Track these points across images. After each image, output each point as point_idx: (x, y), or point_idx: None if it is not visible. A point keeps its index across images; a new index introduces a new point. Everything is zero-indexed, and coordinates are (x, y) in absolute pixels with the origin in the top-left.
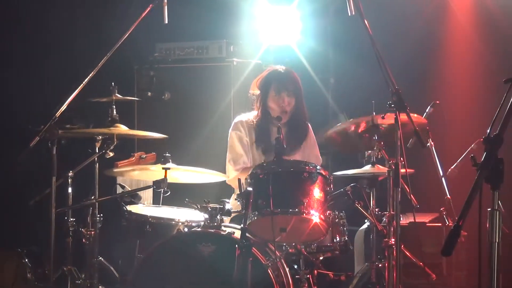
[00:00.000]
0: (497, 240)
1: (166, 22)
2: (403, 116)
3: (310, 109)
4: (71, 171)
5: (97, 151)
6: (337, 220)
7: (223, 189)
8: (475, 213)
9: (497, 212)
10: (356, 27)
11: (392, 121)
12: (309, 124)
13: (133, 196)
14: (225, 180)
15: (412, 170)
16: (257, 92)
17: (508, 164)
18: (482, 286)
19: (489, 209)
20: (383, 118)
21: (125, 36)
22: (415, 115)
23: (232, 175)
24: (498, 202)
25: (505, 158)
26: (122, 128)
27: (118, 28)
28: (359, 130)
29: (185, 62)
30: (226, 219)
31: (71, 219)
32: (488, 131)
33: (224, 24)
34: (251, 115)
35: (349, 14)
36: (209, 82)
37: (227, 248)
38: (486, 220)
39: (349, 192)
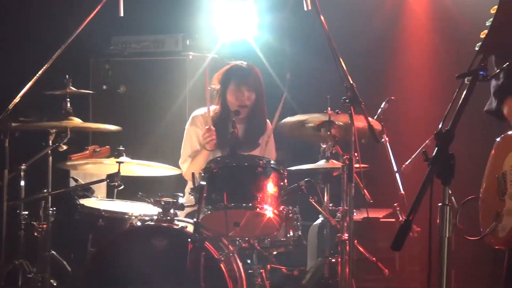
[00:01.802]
0: (447, 235)
1: (122, 15)
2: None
3: (267, 102)
4: (23, 164)
5: (50, 144)
6: (291, 215)
7: (177, 183)
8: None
9: (448, 207)
10: (312, 23)
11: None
12: (268, 122)
13: (86, 190)
14: (179, 174)
15: (366, 166)
16: (218, 86)
17: (462, 160)
18: (433, 281)
19: (439, 204)
20: (337, 113)
21: (80, 29)
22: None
23: (186, 168)
24: (452, 198)
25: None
26: (76, 121)
27: (73, 20)
28: (315, 125)
29: (141, 56)
30: (180, 213)
31: (24, 213)
32: (440, 126)
33: (180, 18)
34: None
35: (305, 9)
36: (165, 76)
37: (180, 242)
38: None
39: (303, 187)
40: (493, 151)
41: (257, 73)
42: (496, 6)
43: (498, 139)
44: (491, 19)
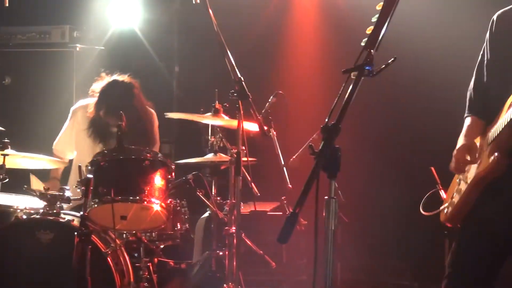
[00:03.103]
0: (333, 228)
1: (7, 5)
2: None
3: (155, 97)
4: None
5: None
6: (178, 208)
7: (64, 177)
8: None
9: (334, 200)
10: (201, 16)
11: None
12: (153, 111)
13: None
14: (66, 167)
15: (254, 159)
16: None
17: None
18: (319, 273)
19: (325, 197)
20: (225, 107)
21: None
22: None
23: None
24: (339, 192)
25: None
26: None
27: None
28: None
29: (27, 47)
30: (66, 207)
31: None
32: (326, 120)
33: (67, 9)
34: (92, 101)
35: (194, 2)
36: (51, 67)
37: (66, 235)
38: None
39: (191, 181)
40: None
41: (129, 94)
42: (381, 3)
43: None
44: (377, 15)
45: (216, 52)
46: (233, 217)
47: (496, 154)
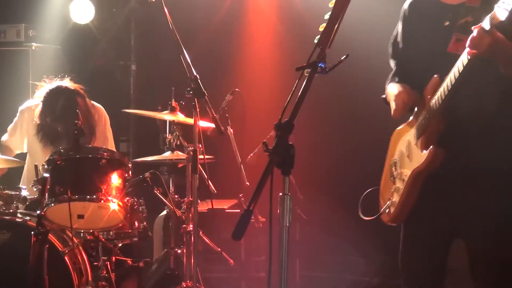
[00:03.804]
0: (287, 224)
1: None
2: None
3: (112, 95)
4: None
5: None
6: (136, 206)
7: (20, 176)
8: (274, 199)
9: (288, 197)
10: (157, 14)
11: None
12: (102, 108)
13: None
14: (20, 166)
15: (211, 157)
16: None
17: (311, 152)
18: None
19: (280, 194)
20: (181, 104)
21: None
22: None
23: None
24: (297, 189)
25: (310, 145)
26: None
27: None
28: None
29: None
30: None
31: None
32: (280, 117)
33: (22, 7)
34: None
35: (150, 1)
36: (7, 66)
37: (23, 235)
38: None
39: (148, 179)
40: (389, 145)
41: (74, 103)
42: (334, 0)
43: (393, 133)
44: (329, 13)
45: (173, 50)
46: (190, 215)
47: (431, 147)
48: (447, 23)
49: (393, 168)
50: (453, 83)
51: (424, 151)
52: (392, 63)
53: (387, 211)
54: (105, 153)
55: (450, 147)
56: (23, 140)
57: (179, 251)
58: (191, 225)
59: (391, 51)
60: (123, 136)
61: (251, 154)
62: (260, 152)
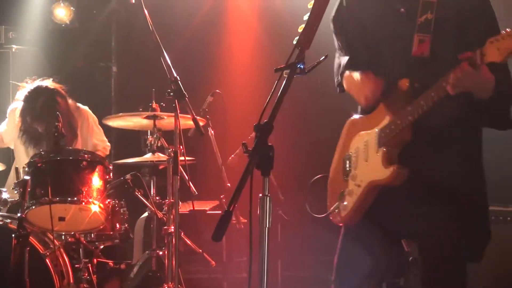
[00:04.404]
0: (268, 225)
1: None
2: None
3: (93, 97)
4: None
5: None
6: (117, 208)
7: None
8: (255, 200)
9: (268, 198)
10: (138, 16)
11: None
12: (87, 110)
13: None
14: (2, 170)
15: (192, 159)
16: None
17: (292, 154)
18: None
19: (260, 195)
20: (162, 106)
21: None
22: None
23: None
24: (278, 191)
25: (291, 147)
26: None
27: None
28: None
29: None
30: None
31: None
32: (259, 118)
33: (2, 9)
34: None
35: (130, 2)
36: None
37: (4, 238)
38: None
39: (129, 181)
40: (342, 133)
41: (54, 102)
42: (312, 1)
43: (347, 121)
44: (308, 14)
45: (154, 51)
46: (172, 217)
47: (396, 168)
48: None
49: (347, 163)
50: (435, 100)
51: (387, 169)
52: (341, 50)
53: (336, 210)
54: (85, 155)
55: (410, 158)
56: (12, 137)
57: (160, 252)
58: (173, 227)
59: (338, 32)
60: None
61: (232, 155)
62: (241, 153)
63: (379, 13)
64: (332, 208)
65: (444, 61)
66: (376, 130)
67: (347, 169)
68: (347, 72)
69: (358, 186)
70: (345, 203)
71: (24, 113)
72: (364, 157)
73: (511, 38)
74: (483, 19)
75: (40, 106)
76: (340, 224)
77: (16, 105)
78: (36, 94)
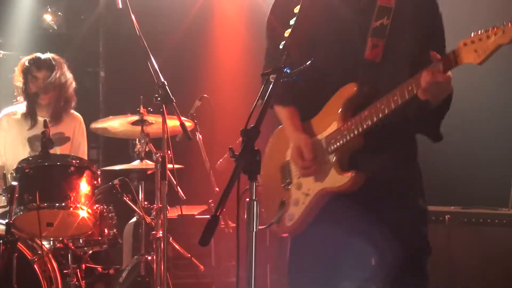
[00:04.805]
0: (255, 230)
1: None
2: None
3: (81, 102)
4: None
5: None
6: (105, 214)
7: None
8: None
9: (255, 203)
10: (125, 20)
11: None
12: (79, 116)
13: None
14: None
15: (181, 165)
16: (20, 81)
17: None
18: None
19: (247, 200)
20: (150, 111)
21: None
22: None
23: None
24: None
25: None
26: None
27: None
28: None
29: None
30: None
31: None
32: (246, 123)
33: None
34: (18, 108)
35: (117, 7)
36: None
37: None
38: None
39: (117, 186)
40: (271, 142)
41: (55, 61)
42: (299, 6)
43: (278, 129)
44: (294, 18)
45: (141, 56)
46: (160, 222)
47: (353, 173)
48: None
49: (287, 172)
50: (399, 103)
51: (343, 175)
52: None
53: (281, 221)
54: (73, 161)
55: (360, 162)
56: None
57: (149, 257)
58: (161, 232)
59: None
60: (93, 143)
61: (221, 160)
62: (229, 157)
63: (329, 16)
64: (275, 218)
65: (396, 68)
66: (321, 137)
67: (287, 177)
68: (276, 107)
69: (306, 195)
70: (289, 212)
71: (23, 81)
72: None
73: (489, 40)
74: (437, 32)
75: (35, 63)
76: (284, 235)
77: (6, 111)
78: (29, 62)
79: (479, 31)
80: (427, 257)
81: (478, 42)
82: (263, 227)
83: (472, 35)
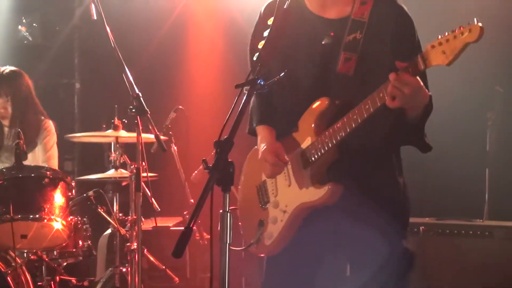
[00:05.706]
0: (228, 241)
1: None
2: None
3: (56, 114)
4: None
5: None
6: (80, 225)
7: None
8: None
9: (228, 214)
10: (100, 32)
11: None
12: (51, 124)
13: None
14: None
15: (155, 175)
16: None
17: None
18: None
19: (220, 211)
20: (124, 122)
21: None
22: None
23: None
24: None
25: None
26: None
27: None
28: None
29: None
30: None
31: None
32: (219, 134)
33: None
34: None
35: (92, 19)
36: None
37: None
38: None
39: (92, 197)
40: (245, 166)
41: (12, 78)
42: (272, 18)
43: (252, 150)
44: (268, 30)
45: (116, 68)
46: (134, 233)
47: (330, 186)
48: (326, 41)
49: (263, 191)
50: (371, 111)
51: (320, 189)
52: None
53: (254, 240)
54: (48, 172)
55: (337, 174)
56: None
57: (123, 269)
58: (135, 243)
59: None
60: (68, 155)
61: (196, 172)
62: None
63: (303, 29)
64: (254, 238)
65: (368, 81)
66: (297, 152)
67: (264, 197)
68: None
69: (283, 212)
70: (268, 231)
71: None
72: (286, 182)
73: (457, 39)
74: (410, 46)
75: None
76: (262, 255)
77: None
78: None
79: (446, 33)
80: (409, 269)
81: (445, 44)
82: (242, 248)
83: (440, 37)
